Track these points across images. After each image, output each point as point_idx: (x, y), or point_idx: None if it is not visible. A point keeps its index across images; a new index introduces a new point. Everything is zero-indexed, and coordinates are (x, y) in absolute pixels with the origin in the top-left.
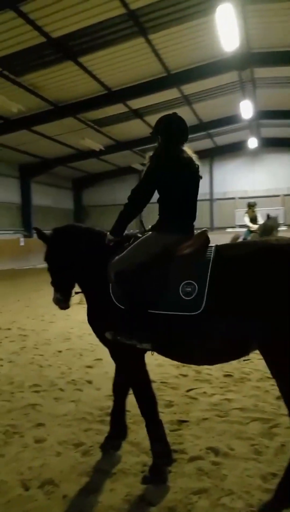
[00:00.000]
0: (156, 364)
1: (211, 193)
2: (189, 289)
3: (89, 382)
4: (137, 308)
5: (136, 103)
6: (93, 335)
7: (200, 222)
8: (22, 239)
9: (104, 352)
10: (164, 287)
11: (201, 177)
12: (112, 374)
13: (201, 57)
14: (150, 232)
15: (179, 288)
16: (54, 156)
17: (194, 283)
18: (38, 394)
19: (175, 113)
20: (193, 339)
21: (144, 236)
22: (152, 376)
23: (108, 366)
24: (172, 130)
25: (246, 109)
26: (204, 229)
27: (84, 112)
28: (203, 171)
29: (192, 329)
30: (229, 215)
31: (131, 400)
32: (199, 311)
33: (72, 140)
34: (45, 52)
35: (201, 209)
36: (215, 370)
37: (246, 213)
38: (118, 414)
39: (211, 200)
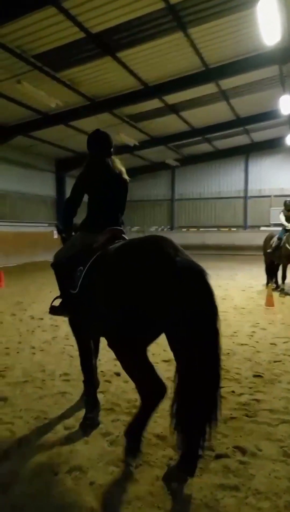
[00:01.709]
0: None
1: (246, 190)
2: (79, 273)
3: (117, 374)
4: (62, 289)
5: (173, 98)
6: None
7: (233, 220)
8: (55, 232)
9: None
10: (73, 272)
11: (126, 185)
12: None
13: (240, 51)
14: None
15: (76, 271)
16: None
17: (82, 268)
18: (68, 383)
19: (98, 129)
20: (80, 314)
21: (74, 235)
22: None
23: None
24: (95, 146)
25: (286, 104)
26: (113, 228)
27: (120, 107)
28: (238, 168)
29: (77, 306)
30: (264, 213)
31: None
32: (76, 291)
33: None
34: (84, 48)
35: (235, 207)
36: (244, 370)
37: (282, 211)
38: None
39: (245, 197)
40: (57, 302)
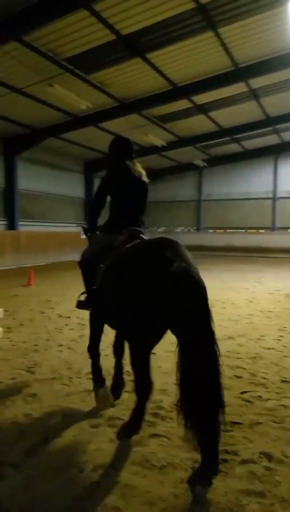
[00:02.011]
0: None
1: (275, 191)
2: (99, 270)
3: None
4: (86, 286)
5: (201, 98)
6: None
7: (261, 221)
8: (82, 232)
9: (157, 346)
10: (95, 269)
11: (146, 187)
12: (165, 369)
13: (271, 49)
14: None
15: (97, 269)
16: None
17: (102, 266)
18: None
19: (120, 135)
20: (99, 308)
21: (98, 235)
22: None
23: (160, 360)
24: (115, 150)
25: None
26: (132, 228)
27: (149, 108)
28: (267, 168)
29: (98, 301)
30: None
31: None
32: (96, 287)
33: (135, 136)
34: (115, 50)
35: (263, 208)
36: (271, 375)
37: None
38: (117, 370)
39: (274, 198)
40: (83, 297)
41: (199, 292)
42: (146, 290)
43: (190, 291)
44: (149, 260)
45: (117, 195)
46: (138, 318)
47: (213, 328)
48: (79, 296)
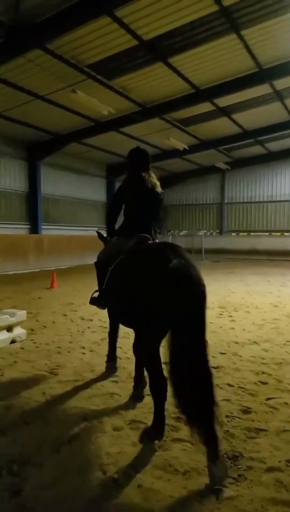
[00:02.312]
0: (234, 368)
1: None
2: (107, 271)
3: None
4: (99, 285)
5: (224, 101)
6: None
7: (286, 224)
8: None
9: None
10: (105, 270)
11: (158, 197)
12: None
13: None
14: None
15: (107, 270)
16: None
17: (109, 268)
18: (117, 384)
19: (138, 147)
20: (110, 307)
21: (113, 239)
22: (230, 380)
23: None
24: (132, 161)
25: None
26: (141, 234)
27: (171, 112)
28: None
29: (106, 299)
30: None
31: None
32: (103, 287)
33: (157, 140)
34: (136, 55)
35: (288, 210)
36: None
37: None
38: (137, 371)
39: None
40: (96, 295)
41: (196, 288)
42: (145, 287)
43: (187, 287)
44: (149, 259)
45: (131, 203)
46: (139, 313)
47: (205, 322)
48: (93, 293)
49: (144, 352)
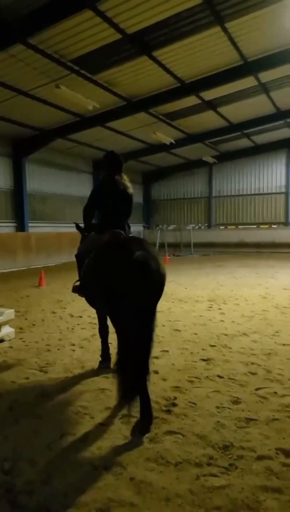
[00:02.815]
0: (224, 360)
1: (288, 185)
2: (83, 263)
3: (156, 372)
4: (79, 275)
5: (209, 94)
6: (160, 326)
7: (274, 216)
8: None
9: (170, 344)
10: (83, 262)
11: (128, 197)
12: (179, 366)
13: (280, 42)
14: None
15: (85, 261)
16: (125, 150)
17: (87, 260)
18: (107, 379)
19: (112, 151)
20: (86, 293)
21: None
22: (220, 371)
23: (174, 358)
24: (107, 165)
25: None
26: (115, 230)
27: (157, 106)
28: (279, 162)
29: (84, 287)
30: None
31: (197, 393)
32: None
33: (143, 134)
34: (121, 49)
35: (276, 203)
36: (287, 371)
37: None
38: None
39: (287, 193)
40: (77, 283)
41: (153, 276)
42: (112, 274)
43: (146, 275)
44: (116, 251)
45: (105, 203)
46: (108, 296)
47: (156, 305)
48: (75, 283)
49: (121, 332)
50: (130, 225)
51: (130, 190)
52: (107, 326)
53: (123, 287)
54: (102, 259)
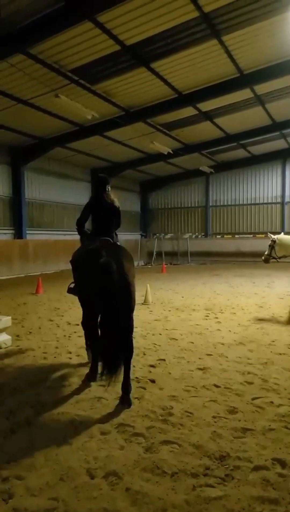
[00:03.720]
0: (220, 369)
1: (283, 195)
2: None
3: (152, 381)
4: (73, 277)
5: (206, 105)
6: (157, 335)
7: (270, 226)
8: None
9: (167, 352)
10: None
11: (116, 210)
12: (175, 375)
13: (275, 56)
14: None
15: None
16: (123, 160)
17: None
18: (103, 388)
19: (99, 174)
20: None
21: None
22: (216, 381)
23: (170, 366)
24: (95, 185)
25: None
26: (103, 238)
27: (154, 116)
28: (275, 173)
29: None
30: None
31: (193, 402)
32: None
33: (141, 144)
34: (119, 60)
35: (272, 213)
36: (283, 380)
37: None
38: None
39: (283, 203)
40: (72, 285)
41: (113, 276)
42: (86, 274)
43: (109, 275)
44: (91, 256)
45: (95, 216)
46: (86, 293)
47: (123, 301)
48: (70, 284)
49: (87, 319)
50: (128, 233)
51: (117, 204)
52: (97, 333)
53: (94, 281)
54: (84, 261)
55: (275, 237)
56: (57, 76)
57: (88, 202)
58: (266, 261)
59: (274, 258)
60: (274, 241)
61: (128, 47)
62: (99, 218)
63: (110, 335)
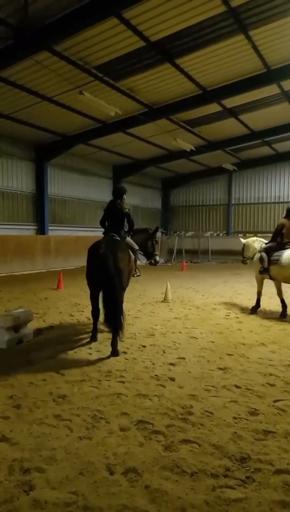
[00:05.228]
0: (241, 370)
1: None
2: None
3: (172, 379)
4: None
5: (231, 102)
6: (177, 333)
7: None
8: None
9: (187, 351)
10: None
11: (122, 214)
12: (195, 374)
13: None
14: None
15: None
16: (145, 156)
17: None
18: (123, 384)
19: (115, 185)
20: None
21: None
22: (237, 381)
23: (190, 365)
24: (113, 193)
25: None
26: (111, 234)
27: (178, 113)
28: None
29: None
30: None
31: (214, 402)
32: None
33: (164, 141)
34: (144, 56)
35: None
36: None
37: None
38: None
39: None
40: None
41: (107, 264)
42: (89, 262)
43: (103, 263)
44: (94, 247)
45: (109, 218)
46: (90, 274)
47: (113, 281)
48: None
49: (92, 297)
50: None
51: (126, 209)
52: (98, 310)
53: (95, 266)
54: (90, 251)
55: (243, 241)
56: (82, 73)
57: (106, 207)
58: (243, 262)
59: (246, 259)
60: (243, 244)
61: (153, 43)
62: (111, 220)
63: (109, 304)
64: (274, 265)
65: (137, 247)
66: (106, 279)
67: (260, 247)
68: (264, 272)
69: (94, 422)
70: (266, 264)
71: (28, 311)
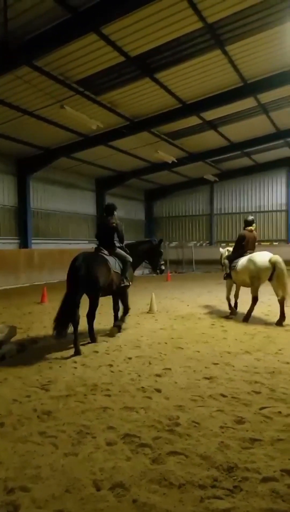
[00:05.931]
0: (227, 378)
1: (288, 203)
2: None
3: (158, 390)
4: None
5: (210, 114)
6: (163, 344)
7: (275, 234)
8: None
9: (173, 362)
10: None
11: (110, 229)
12: (181, 384)
13: (279, 65)
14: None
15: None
16: (128, 169)
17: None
18: (109, 397)
19: (109, 202)
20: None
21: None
22: (223, 390)
23: (176, 375)
24: (103, 210)
25: None
26: (100, 247)
27: (159, 126)
28: (279, 180)
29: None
30: None
31: (200, 412)
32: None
33: (146, 153)
34: (124, 71)
35: (277, 220)
36: None
37: None
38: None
39: (288, 211)
40: None
41: (82, 274)
42: (71, 272)
43: (81, 273)
44: (75, 259)
45: (100, 232)
46: (69, 282)
47: (86, 286)
48: None
49: (67, 301)
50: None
51: (113, 224)
52: (75, 314)
53: (72, 275)
54: (71, 263)
55: (221, 251)
56: (63, 88)
57: (97, 223)
58: (222, 271)
59: (223, 267)
60: (221, 254)
61: (132, 58)
62: (101, 234)
63: (70, 303)
64: (233, 271)
65: (130, 259)
66: (81, 285)
67: (226, 256)
68: (227, 277)
69: (80, 438)
70: (228, 270)
71: (11, 327)
